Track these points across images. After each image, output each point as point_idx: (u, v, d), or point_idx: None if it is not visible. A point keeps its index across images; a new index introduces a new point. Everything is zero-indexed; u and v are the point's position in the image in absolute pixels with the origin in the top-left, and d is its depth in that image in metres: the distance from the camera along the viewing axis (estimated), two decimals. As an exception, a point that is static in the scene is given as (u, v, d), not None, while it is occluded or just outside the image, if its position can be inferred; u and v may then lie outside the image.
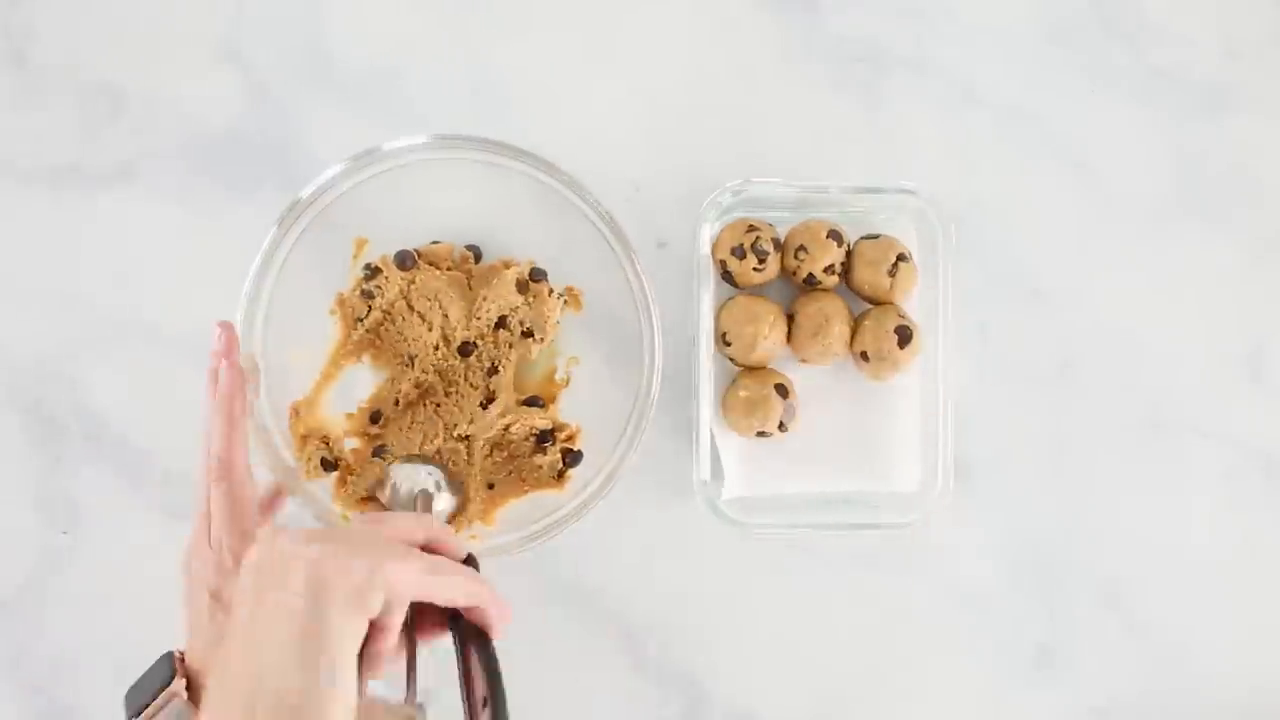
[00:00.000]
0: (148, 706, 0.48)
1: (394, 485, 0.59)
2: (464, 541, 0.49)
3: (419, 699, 0.45)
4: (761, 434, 0.62)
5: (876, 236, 0.63)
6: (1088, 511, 0.67)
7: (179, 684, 0.48)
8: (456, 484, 0.60)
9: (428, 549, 0.45)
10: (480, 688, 0.44)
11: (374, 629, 0.41)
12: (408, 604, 0.42)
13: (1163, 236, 0.67)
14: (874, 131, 0.66)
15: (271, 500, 0.58)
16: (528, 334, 0.62)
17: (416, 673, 0.46)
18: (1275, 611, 0.67)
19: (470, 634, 0.45)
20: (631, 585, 0.65)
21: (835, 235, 0.62)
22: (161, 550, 0.63)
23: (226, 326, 0.55)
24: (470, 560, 0.48)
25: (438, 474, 0.59)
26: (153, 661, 0.50)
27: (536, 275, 0.62)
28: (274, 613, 0.40)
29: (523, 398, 0.63)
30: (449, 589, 0.44)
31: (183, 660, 0.50)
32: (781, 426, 0.62)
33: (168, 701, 0.48)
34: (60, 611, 0.64)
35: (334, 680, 0.39)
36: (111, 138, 0.64)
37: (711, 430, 0.63)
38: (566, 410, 0.63)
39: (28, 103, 0.64)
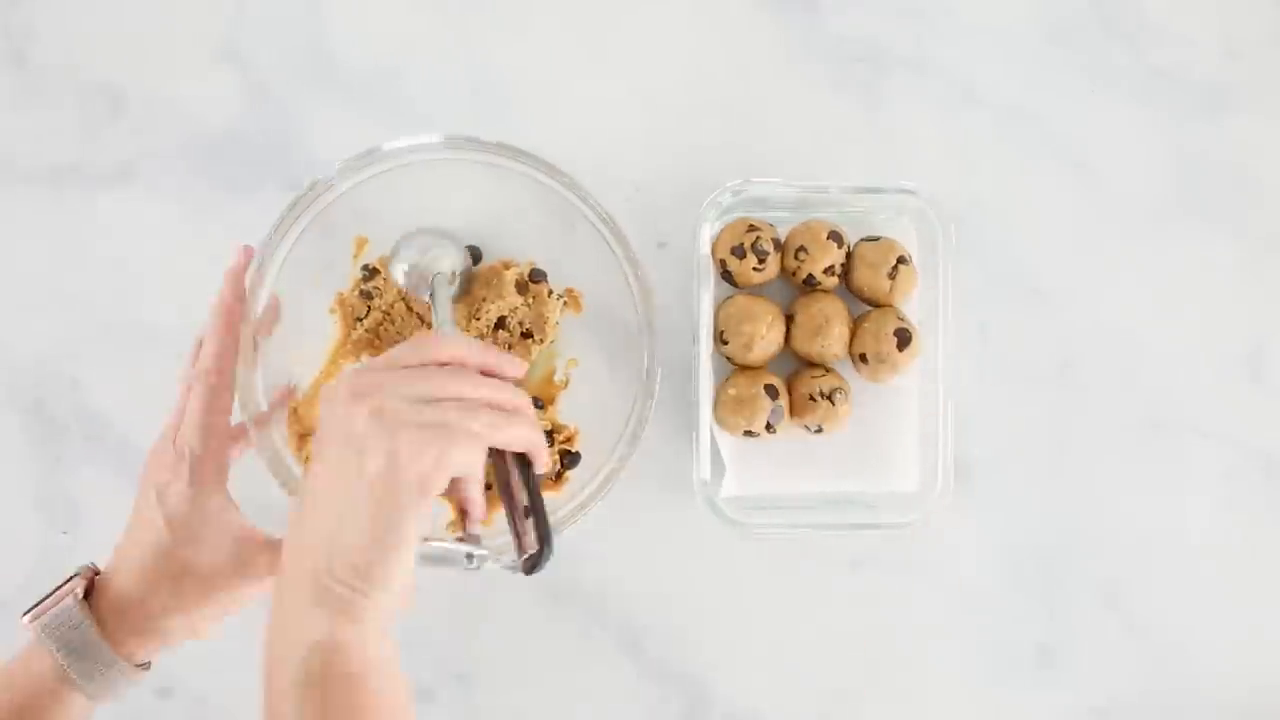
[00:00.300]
0: (42, 602, 0.51)
1: (407, 263, 0.59)
2: (516, 361, 0.51)
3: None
4: (749, 433, 0.62)
5: (877, 239, 0.63)
6: (1088, 511, 0.67)
7: (77, 584, 0.51)
8: (471, 263, 0.61)
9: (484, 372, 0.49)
10: (522, 499, 0.50)
11: (456, 492, 0.49)
12: (480, 472, 0.48)
13: (1163, 236, 0.67)
14: (874, 131, 0.66)
15: (241, 431, 0.58)
16: (527, 335, 0.62)
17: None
18: (1275, 611, 0.67)
19: (512, 457, 0.50)
20: (631, 585, 0.65)
21: (835, 236, 0.62)
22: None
23: (246, 250, 0.57)
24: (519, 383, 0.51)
25: (456, 255, 0.60)
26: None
27: (536, 276, 0.62)
28: (348, 483, 0.44)
29: None
30: (509, 442, 0.48)
31: (94, 571, 0.53)
32: (769, 428, 0.61)
33: (60, 600, 0.50)
34: (60, 611, 0.64)
35: (397, 556, 0.44)
36: (111, 138, 0.64)
37: (712, 429, 0.63)
38: (565, 411, 0.63)
39: (28, 103, 0.64)
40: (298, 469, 0.60)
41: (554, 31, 0.66)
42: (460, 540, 0.50)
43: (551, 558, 0.49)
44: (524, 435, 0.48)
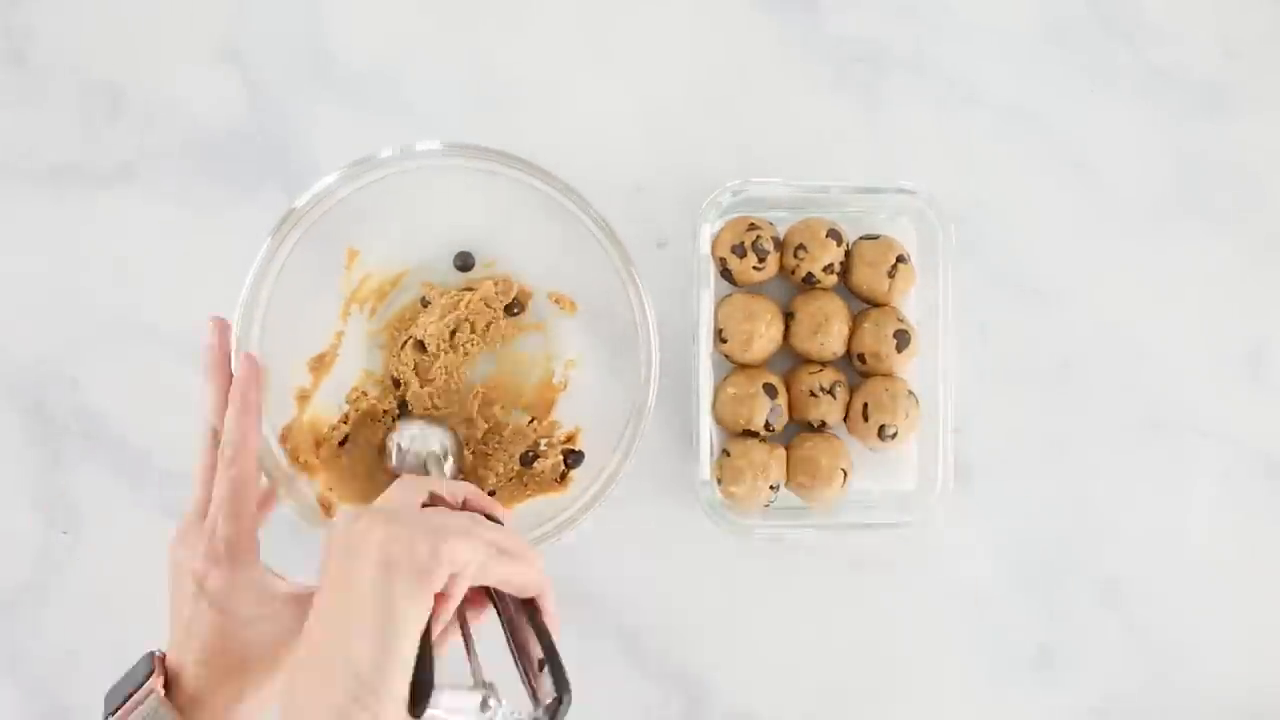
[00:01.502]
0: (124, 704, 0.49)
1: (400, 447, 0.60)
2: (503, 510, 0.52)
3: (485, 678, 0.46)
4: (748, 432, 0.62)
5: (876, 237, 0.63)
6: (1088, 511, 0.67)
7: (156, 681, 0.49)
8: (460, 448, 0.61)
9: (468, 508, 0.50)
10: (535, 650, 0.47)
11: (437, 599, 0.45)
12: (470, 578, 0.45)
13: (1163, 236, 0.67)
14: (874, 131, 0.66)
15: (267, 497, 0.58)
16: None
17: (476, 653, 0.47)
18: (1275, 611, 0.67)
19: (517, 603, 0.48)
20: (631, 585, 0.65)
21: (835, 234, 0.62)
22: (161, 550, 0.63)
23: (222, 324, 0.56)
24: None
25: (445, 438, 0.60)
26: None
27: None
28: (349, 590, 0.43)
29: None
30: (513, 575, 0.47)
31: (163, 659, 0.51)
32: (768, 426, 0.61)
33: (144, 699, 0.49)
34: (60, 611, 0.64)
35: (398, 650, 0.42)
36: (111, 138, 0.64)
37: (711, 429, 0.63)
38: (566, 413, 0.63)
39: (28, 103, 0.64)
40: (303, 483, 0.59)
41: (554, 32, 0.66)
42: (475, 688, 0.46)
43: (569, 708, 0.47)
44: (533, 577, 0.47)
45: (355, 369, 0.62)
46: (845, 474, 0.62)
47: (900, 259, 0.62)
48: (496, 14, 0.65)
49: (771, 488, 0.61)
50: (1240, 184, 0.67)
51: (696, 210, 0.62)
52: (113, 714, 0.49)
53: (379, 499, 0.49)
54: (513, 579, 0.47)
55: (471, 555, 0.45)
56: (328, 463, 0.60)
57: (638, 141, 0.65)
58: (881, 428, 0.62)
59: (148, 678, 0.50)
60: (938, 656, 0.66)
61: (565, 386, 0.63)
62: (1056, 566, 0.66)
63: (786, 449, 0.63)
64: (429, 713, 0.42)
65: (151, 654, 0.51)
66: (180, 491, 0.63)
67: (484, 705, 0.45)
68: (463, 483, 0.52)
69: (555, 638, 0.47)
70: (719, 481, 0.62)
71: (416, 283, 0.63)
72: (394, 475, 0.59)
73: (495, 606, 0.49)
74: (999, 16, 0.67)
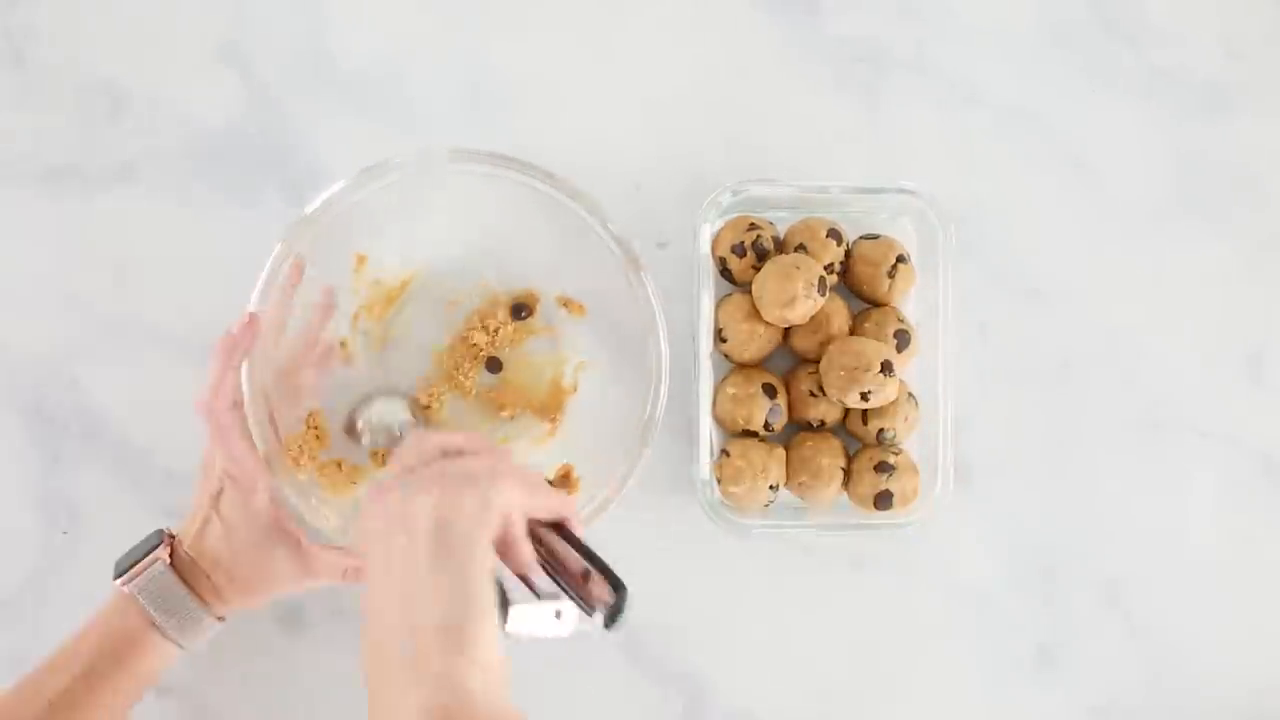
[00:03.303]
0: (133, 567, 0.55)
1: (371, 423, 0.61)
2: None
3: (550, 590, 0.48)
4: (747, 432, 0.62)
5: (876, 237, 0.63)
6: (1088, 511, 0.67)
7: (163, 551, 0.55)
8: (419, 411, 0.63)
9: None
10: (575, 564, 0.48)
11: (504, 546, 0.47)
12: (521, 513, 0.47)
13: (1163, 236, 0.67)
14: (874, 131, 0.66)
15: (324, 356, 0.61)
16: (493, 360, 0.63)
17: (538, 570, 0.49)
18: (1275, 611, 0.67)
19: (549, 525, 0.49)
20: (631, 585, 0.65)
21: (835, 234, 0.62)
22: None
23: (254, 319, 0.57)
24: None
25: (408, 404, 0.62)
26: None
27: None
28: (408, 560, 0.44)
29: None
30: (548, 501, 0.48)
31: (172, 536, 0.56)
32: (768, 426, 0.61)
33: (151, 564, 0.55)
34: (60, 611, 0.63)
35: (476, 601, 0.43)
36: (111, 138, 0.64)
37: (711, 429, 0.63)
38: (575, 415, 0.63)
39: (28, 103, 0.64)
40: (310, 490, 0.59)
41: (554, 32, 0.66)
42: (544, 600, 0.48)
43: (629, 602, 0.48)
44: (560, 498, 0.49)
45: (363, 375, 0.62)
46: (845, 474, 0.62)
47: (900, 259, 0.62)
48: (497, 14, 0.65)
49: (771, 488, 0.61)
50: (1240, 184, 0.67)
51: (696, 210, 0.62)
52: (121, 575, 0.55)
53: (392, 463, 0.51)
54: (549, 504, 0.48)
55: (513, 493, 0.46)
56: (332, 471, 0.60)
57: (638, 141, 0.65)
58: (880, 431, 0.62)
59: (154, 549, 0.55)
60: (938, 656, 0.66)
61: (576, 389, 0.63)
62: (1056, 566, 0.66)
63: (786, 449, 0.63)
64: (511, 628, 0.45)
65: (161, 531, 0.56)
66: (181, 491, 0.63)
67: (557, 615, 0.47)
68: (466, 433, 0.53)
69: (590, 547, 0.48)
70: (719, 481, 0.62)
71: (423, 287, 0.63)
72: (377, 454, 0.61)
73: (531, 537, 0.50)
74: (1000, 17, 0.67)
